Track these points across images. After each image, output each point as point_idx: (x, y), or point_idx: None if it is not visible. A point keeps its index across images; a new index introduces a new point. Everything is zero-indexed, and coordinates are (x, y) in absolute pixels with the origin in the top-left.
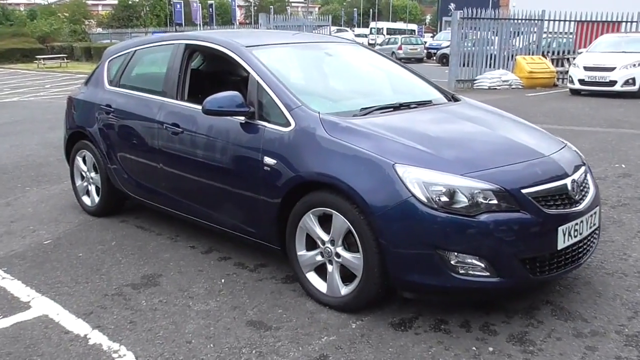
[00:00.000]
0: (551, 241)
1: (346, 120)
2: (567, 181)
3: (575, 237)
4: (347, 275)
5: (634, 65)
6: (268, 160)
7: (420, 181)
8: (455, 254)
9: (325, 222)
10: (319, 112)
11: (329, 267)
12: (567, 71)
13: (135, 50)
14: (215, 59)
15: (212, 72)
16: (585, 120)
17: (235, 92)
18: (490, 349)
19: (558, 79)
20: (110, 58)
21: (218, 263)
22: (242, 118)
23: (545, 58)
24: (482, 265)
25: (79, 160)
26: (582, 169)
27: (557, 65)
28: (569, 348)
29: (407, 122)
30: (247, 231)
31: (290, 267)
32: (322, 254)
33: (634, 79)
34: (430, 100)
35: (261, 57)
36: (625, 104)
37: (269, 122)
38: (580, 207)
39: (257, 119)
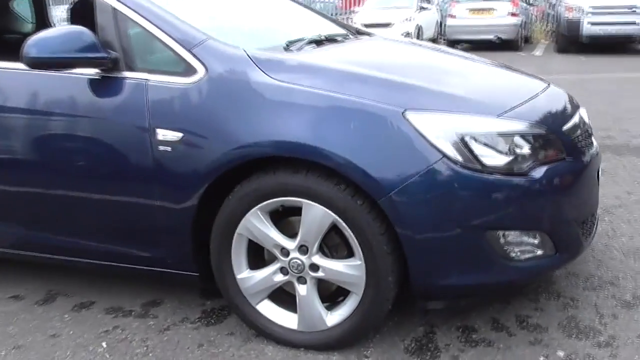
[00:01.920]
0: (596, 193)
1: (290, 57)
2: (582, 112)
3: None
4: (324, 297)
5: (408, 19)
6: (165, 134)
7: (449, 132)
8: (506, 232)
9: (280, 221)
10: (244, 49)
11: (300, 289)
12: None
13: None
14: None
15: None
16: None
17: (80, 27)
18: (560, 353)
19: None
20: None
21: (77, 316)
22: (95, 71)
23: None
24: (537, 241)
25: None
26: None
27: None
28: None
29: (368, 55)
30: (139, 258)
31: (222, 297)
32: (283, 270)
33: (409, 33)
34: (347, 34)
35: None
36: None
37: (152, 72)
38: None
39: (123, 69)
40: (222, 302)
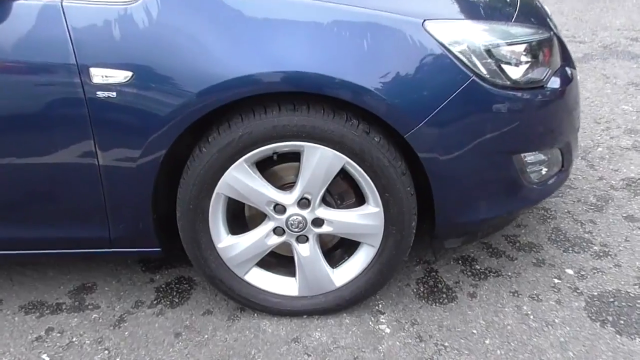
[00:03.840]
0: None
1: None
2: None
3: None
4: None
5: None
6: (106, 74)
7: (475, 44)
8: (528, 154)
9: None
10: None
11: (301, 249)
12: None
13: None
14: None
15: None
16: None
17: None
18: (570, 271)
19: None
20: None
21: (25, 319)
22: None
23: None
24: (552, 158)
25: None
26: None
27: None
28: None
29: None
30: (79, 240)
31: (169, 266)
32: (277, 230)
33: None
34: None
35: None
36: None
37: None
38: None
39: None
40: (173, 273)
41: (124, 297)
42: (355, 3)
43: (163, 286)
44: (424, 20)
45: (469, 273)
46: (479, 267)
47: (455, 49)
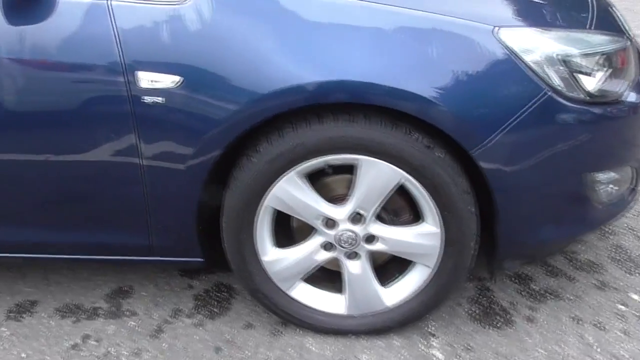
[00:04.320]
0: None
1: None
2: None
3: None
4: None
5: None
6: (154, 79)
7: (550, 53)
8: (600, 172)
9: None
10: None
11: (351, 266)
12: None
13: None
14: None
15: None
16: None
17: None
18: (635, 297)
19: None
20: None
21: (19, 326)
22: None
23: None
24: (624, 177)
25: None
26: None
27: None
28: None
29: None
30: (119, 245)
31: (207, 272)
32: (326, 245)
33: None
34: None
35: None
36: None
37: None
38: None
39: None
40: (212, 279)
41: (161, 303)
42: (420, 7)
43: (202, 293)
44: (496, 27)
45: (525, 293)
46: (535, 287)
47: (529, 59)
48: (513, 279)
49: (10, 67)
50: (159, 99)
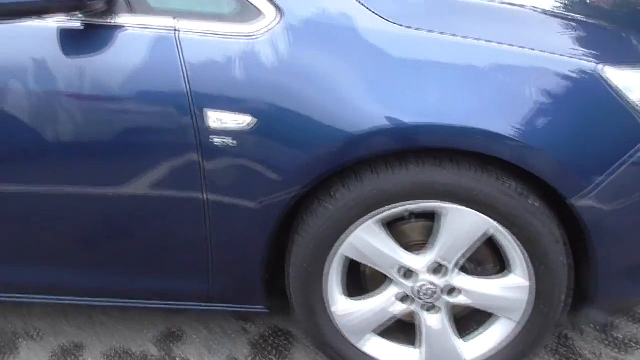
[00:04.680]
0: None
1: None
2: None
3: None
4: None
5: None
6: (222, 118)
7: None
8: None
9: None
10: None
11: (429, 320)
12: None
13: None
14: None
15: None
16: None
17: None
18: None
19: None
20: None
21: None
22: (78, 23)
23: None
24: None
25: None
26: None
27: None
28: None
29: None
30: (176, 292)
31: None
32: (403, 297)
33: None
34: None
35: None
36: None
37: (181, 16)
38: None
39: (123, 12)
40: (268, 322)
41: (215, 350)
42: (518, 43)
43: (258, 338)
44: (600, 64)
45: (608, 343)
46: (619, 336)
47: (634, 98)
48: (592, 325)
49: (68, 101)
50: (230, 141)
